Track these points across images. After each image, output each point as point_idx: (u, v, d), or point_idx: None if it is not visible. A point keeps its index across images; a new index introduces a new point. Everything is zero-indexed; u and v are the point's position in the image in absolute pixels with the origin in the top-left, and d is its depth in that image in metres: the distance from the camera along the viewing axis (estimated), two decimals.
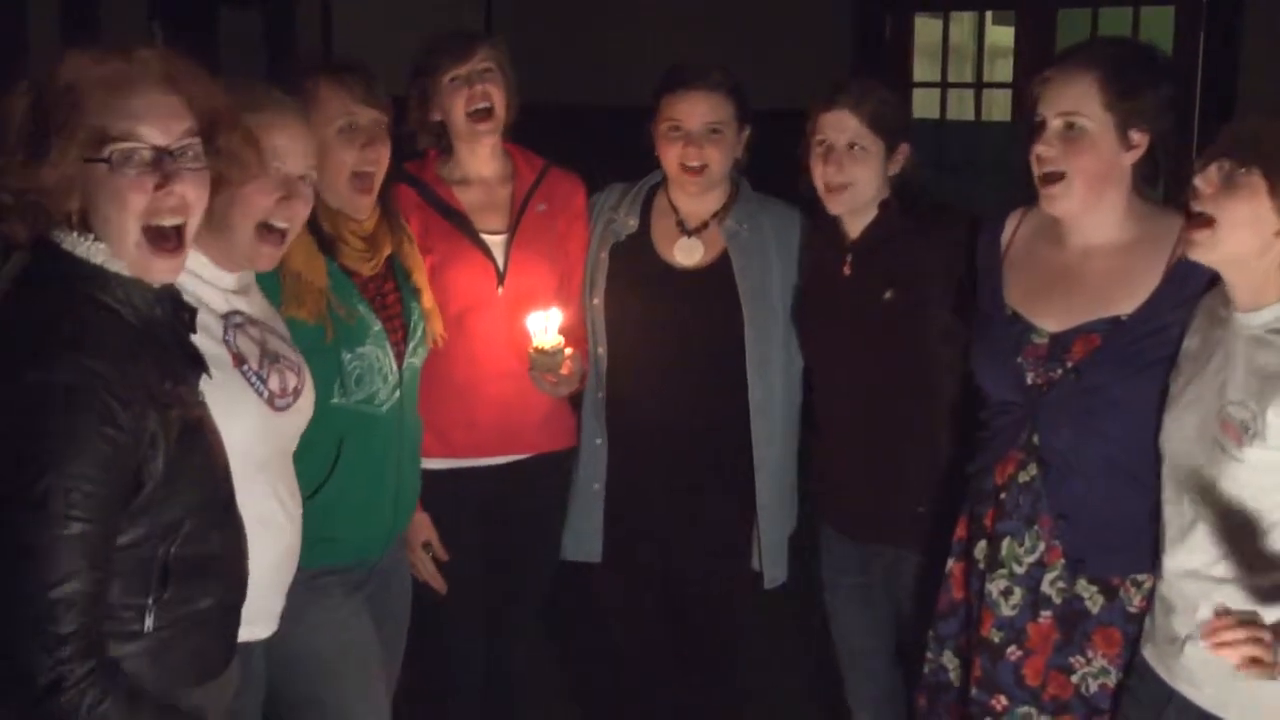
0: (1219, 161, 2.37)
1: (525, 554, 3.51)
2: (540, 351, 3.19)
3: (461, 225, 3.32)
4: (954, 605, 2.92)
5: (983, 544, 2.81)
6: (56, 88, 1.94)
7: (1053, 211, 2.74)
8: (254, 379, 2.46)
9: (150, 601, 1.98)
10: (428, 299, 3.09)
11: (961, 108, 7.10)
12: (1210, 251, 2.39)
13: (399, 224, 3.06)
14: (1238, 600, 2.40)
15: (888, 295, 3.11)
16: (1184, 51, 5.70)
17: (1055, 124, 2.68)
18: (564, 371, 3.23)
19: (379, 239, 2.96)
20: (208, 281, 2.49)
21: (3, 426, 1.84)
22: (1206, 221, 2.37)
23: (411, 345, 3.00)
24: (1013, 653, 2.75)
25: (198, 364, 2.14)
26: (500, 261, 3.33)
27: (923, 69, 7.03)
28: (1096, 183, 2.68)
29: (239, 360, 2.45)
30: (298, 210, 2.58)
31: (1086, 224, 2.75)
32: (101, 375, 1.87)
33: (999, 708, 2.77)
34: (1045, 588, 2.72)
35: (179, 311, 2.12)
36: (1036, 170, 2.71)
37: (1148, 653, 2.61)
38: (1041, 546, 2.72)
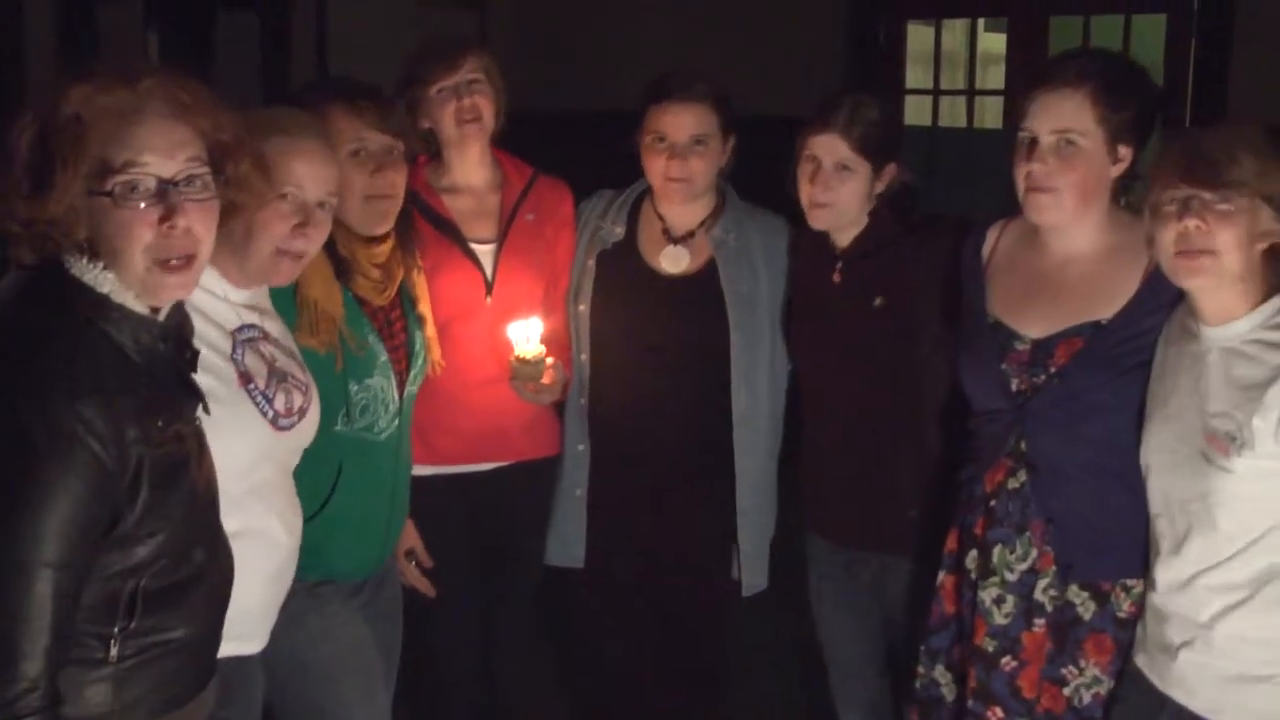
0: (1192, 195, 2.38)
1: (512, 559, 3.52)
2: (522, 361, 3.20)
3: (450, 234, 3.33)
4: (945, 619, 2.92)
5: (974, 553, 2.81)
6: (61, 119, 1.93)
7: (1040, 221, 2.75)
8: (259, 398, 2.47)
9: (116, 631, 1.97)
10: (430, 328, 3.11)
11: (954, 114, 7.12)
12: (1216, 278, 2.40)
13: (411, 252, 3.07)
14: (1233, 607, 2.43)
15: (877, 302, 3.12)
16: (1175, 59, 5.74)
17: (1049, 140, 2.69)
18: (545, 380, 3.24)
19: (393, 269, 2.98)
20: (219, 296, 2.50)
21: None
22: (1206, 252, 2.38)
23: (413, 374, 3.02)
24: (1007, 663, 2.75)
25: (196, 398, 2.12)
26: (489, 271, 3.34)
27: (915, 75, 7.05)
28: (1085, 196, 2.70)
29: (245, 379, 2.46)
30: (313, 237, 2.60)
31: (1069, 234, 2.77)
32: (87, 420, 1.85)
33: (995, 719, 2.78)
34: (1038, 595, 2.73)
35: (182, 349, 2.11)
36: (1024, 183, 2.72)
37: (1140, 661, 2.62)
38: (1033, 553, 2.73)
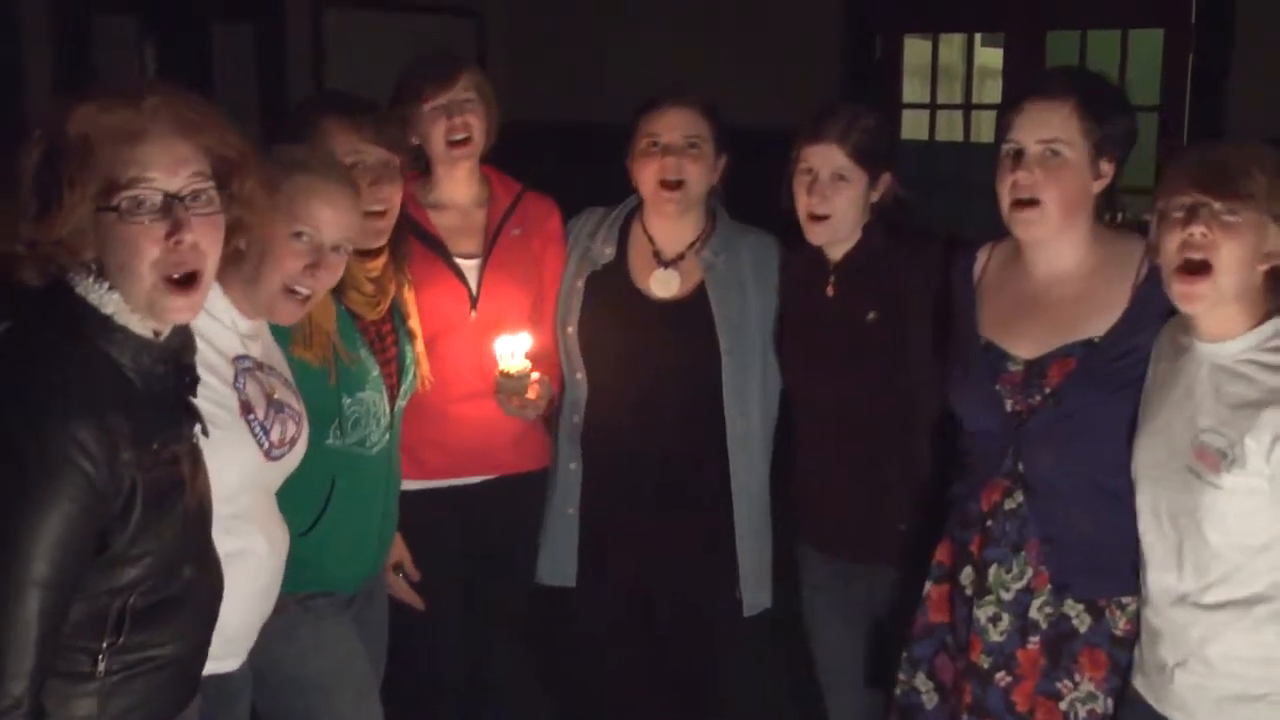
0: (1201, 203, 2.37)
1: (500, 574, 3.51)
2: (506, 375, 3.19)
3: (436, 249, 3.32)
4: (930, 628, 2.92)
5: (969, 570, 2.81)
6: (67, 139, 1.93)
7: (1025, 235, 2.75)
8: (258, 429, 2.48)
9: (104, 646, 1.97)
10: (420, 343, 3.12)
11: (950, 129, 7.13)
12: (1214, 296, 2.39)
13: (403, 268, 3.08)
14: (1226, 626, 2.42)
15: (871, 316, 3.12)
16: (1173, 73, 5.74)
17: (1035, 150, 2.69)
18: (530, 396, 3.23)
19: (386, 284, 2.98)
20: (226, 325, 2.51)
21: None
22: (1205, 269, 2.37)
23: (403, 388, 3.03)
24: (1002, 679, 2.75)
25: (193, 419, 2.12)
26: (473, 286, 3.34)
27: (912, 90, 7.06)
28: (1069, 209, 2.71)
29: (246, 409, 2.46)
30: (323, 279, 2.61)
31: (1053, 251, 2.77)
32: (81, 441, 1.86)
33: None
34: (1033, 613, 2.72)
35: (182, 374, 2.11)
36: (1009, 196, 2.72)
37: (1138, 683, 2.61)
38: (1029, 572, 2.72)
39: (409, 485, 3.19)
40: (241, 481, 2.43)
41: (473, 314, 3.32)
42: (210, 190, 2.01)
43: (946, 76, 7.18)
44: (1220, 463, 2.37)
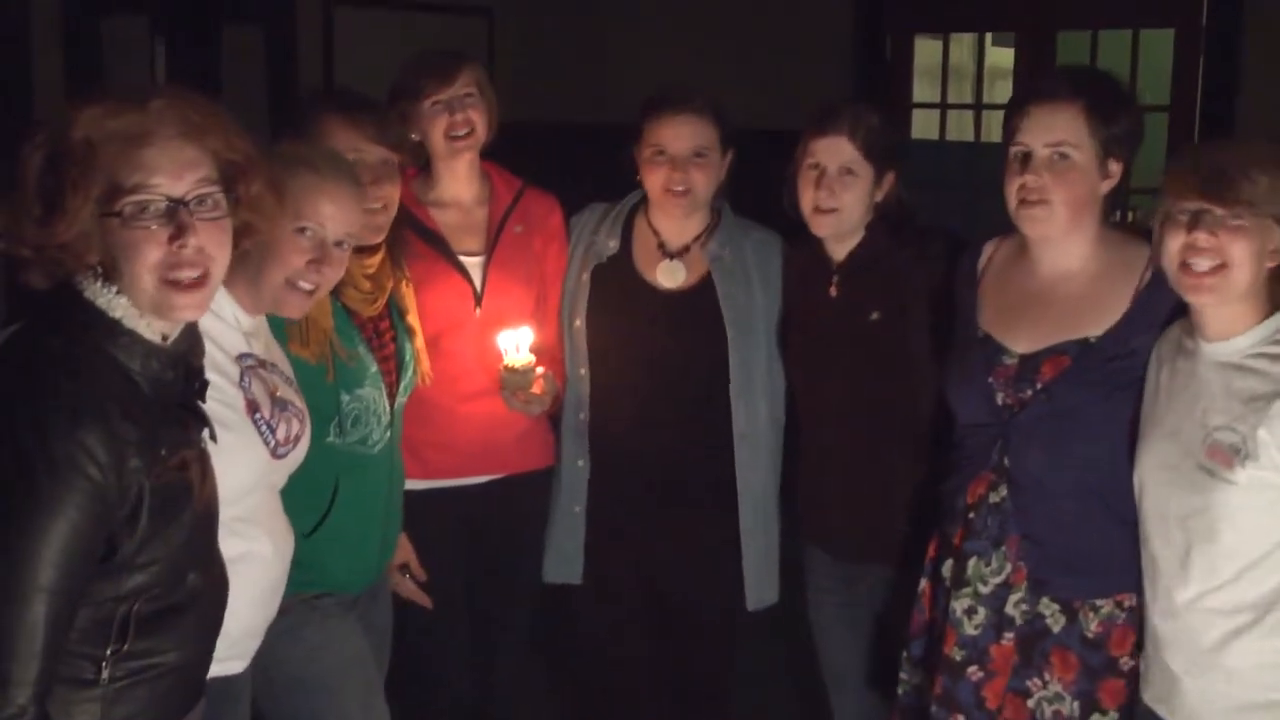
0: (1204, 209, 2.37)
1: (506, 573, 3.51)
2: (511, 370, 3.19)
3: (438, 246, 3.32)
4: (924, 626, 2.93)
5: (950, 562, 2.81)
6: (71, 143, 1.92)
7: (1032, 233, 2.76)
8: (264, 428, 2.48)
9: (108, 653, 1.96)
10: (419, 339, 3.11)
11: (961, 128, 7.11)
12: (1225, 293, 2.39)
13: (400, 264, 3.08)
14: (1239, 632, 2.41)
15: (874, 316, 3.12)
16: (1184, 73, 5.71)
17: (1044, 154, 2.70)
18: (535, 390, 3.24)
19: (383, 280, 2.98)
20: (230, 323, 2.51)
21: None
22: (1218, 268, 2.38)
23: (402, 385, 3.03)
24: (974, 673, 2.75)
25: (201, 423, 2.12)
26: (478, 283, 3.34)
27: (923, 90, 7.04)
28: (1077, 210, 2.71)
29: (253, 408, 2.46)
30: (326, 275, 2.62)
31: (1060, 250, 2.77)
32: (89, 447, 1.85)
33: None
34: (1009, 609, 2.72)
35: (190, 377, 2.10)
36: (1017, 198, 2.73)
37: (1148, 697, 2.60)
38: (1008, 568, 2.73)
39: (414, 485, 3.20)
40: (249, 482, 2.43)
41: (477, 311, 3.32)
42: (216, 194, 2.00)
43: (957, 76, 7.16)
44: (1234, 458, 2.37)
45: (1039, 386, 2.70)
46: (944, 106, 6.84)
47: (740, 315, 3.33)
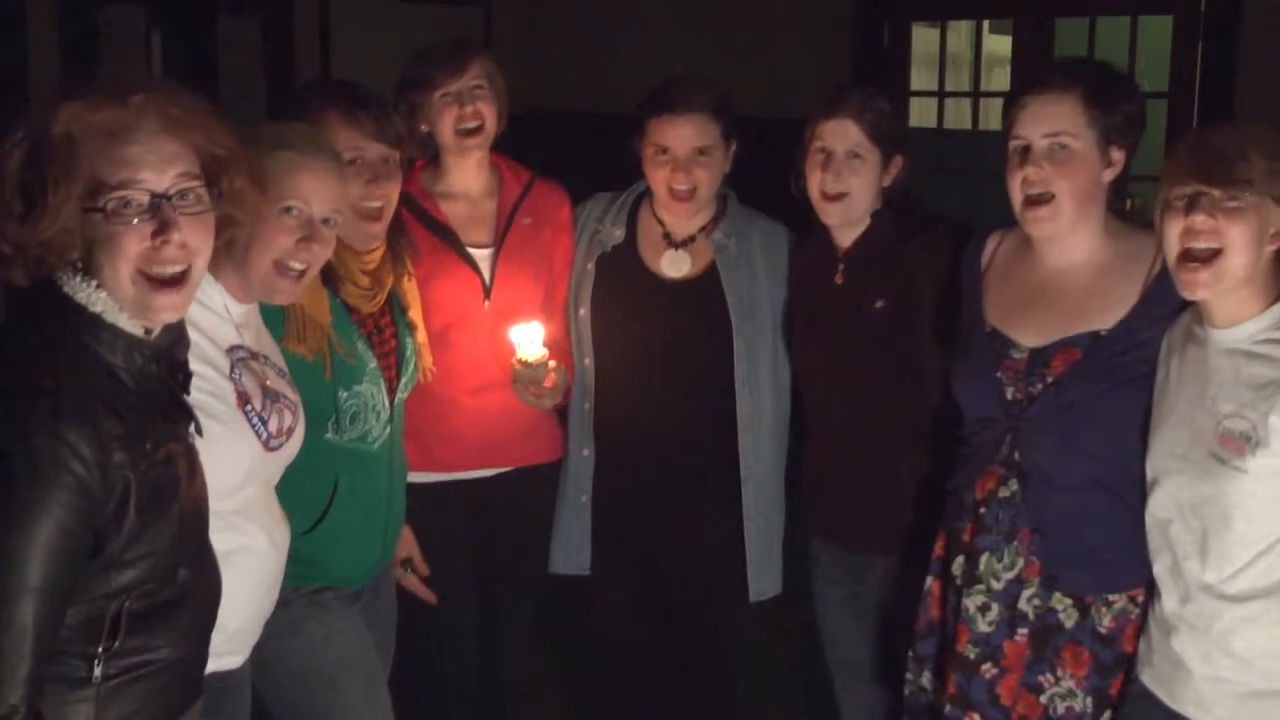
0: (1201, 192, 2.37)
1: (513, 566, 3.50)
2: (524, 364, 3.18)
3: (447, 239, 3.31)
4: (932, 625, 2.91)
5: (960, 559, 2.80)
6: (52, 138, 1.90)
7: (1039, 234, 2.75)
8: (255, 420, 2.46)
9: (100, 651, 1.95)
10: (421, 334, 3.10)
11: (959, 116, 7.10)
12: (1221, 280, 2.38)
13: (401, 259, 3.06)
14: (1251, 620, 2.40)
15: (879, 304, 3.11)
16: (1182, 60, 5.70)
17: (1042, 145, 2.68)
18: (547, 384, 3.22)
19: (382, 276, 2.96)
20: (219, 313, 2.49)
21: None
22: (1212, 257, 2.37)
23: (403, 381, 3.01)
24: (987, 670, 2.74)
25: (187, 417, 2.10)
26: (487, 275, 3.32)
27: (920, 78, 7.03)
28: (1082, 202, 2.69)
29: (243, 400, 2.44)
30: (316, 253, 2.59)
31: (1067, 243, 2.76)
32: (72, 443, 1.83)
33: None
34: (1022, 604, 2.71)
35: (175, 371, 2.08)
36: (1021, 192, 2.71)
37: (1146, 677, 2.59)
38: (1020, 562, 2.71)
39: (421, 478, 3.19)
40: (242, 475, 2.42)
41: (486, 304, 3.31)
42: (199, 189, 1.99)
43: (954, 64, 7.15)
44: (1245, 446, 2.36)
45: (1049, 380, 2.68)
46: (941, 94, 6.82)
47: (745, 304, 3.33)
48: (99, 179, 1.91)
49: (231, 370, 2.45)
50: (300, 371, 2.70)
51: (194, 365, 2.22)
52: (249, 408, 2.45)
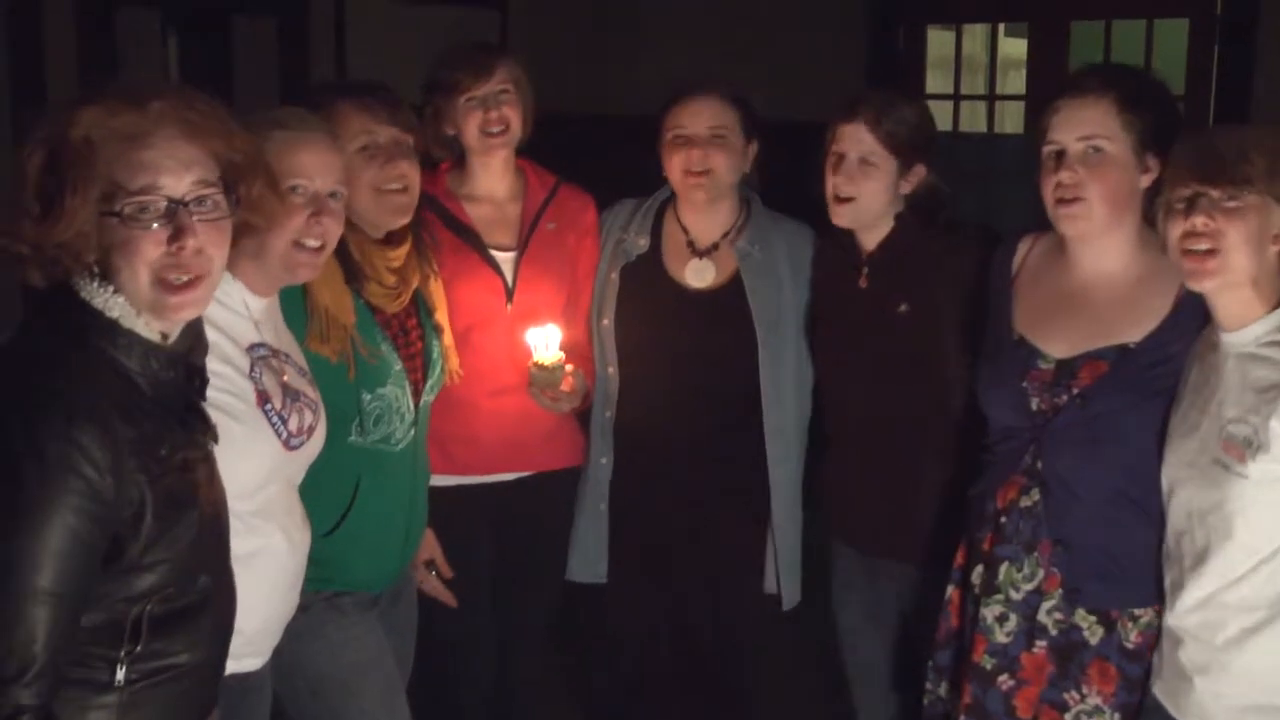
0: (1200, 193, 2.36)
1: (531, 571, 3.49)
2: (540, 367, 3.17)
3: (471, 241, 3.30)
4: (951, 634, 2.89)
5: (979, 568, 2.78)
6: (71, 143, 1.90)
7: (1070, 232, 2.71)
8: (275, 419, 2.46)
9: (122, 654, 1.94)
10: (448, 336, 3.09)
11: (974, 119, 7.11)
12: (1225, 277, 2.37)
13: (428, 259, 3.05)
14: (1252, 631, 2.39)
15: (903, 308, 3.10)
16: (1198, 64, 5.70)
17: (1077, 148, 2.66)
18: (564, 388, 3.21)
19: (408, 275, 2.95)
20: (238, 311, 2.49)
21: None
22: (1211, 253, 2.36)
23: (429, 383, 3.00)
24: (1004, 681, 2.72)
25: (206, 425, 2.10)
26: (509, 278, 3.32)
27: (936, 81, 7.04)
28: (1116, 206, 2.67)
29: (263, 399, 2.44)
30: (329, 227, 2.59)
31: (1099, 249, 2.73)
32: (84, 446, 1.82)
33: None
34: (1042, 616, 2.69)
35: (191, 376, 2.08)
36: (1053, 195, 2.68)
37: (1158, 689, 2.58)
38: (1040, 573, 2.69)
39: (440, 481, 3.18)
40: (263, 475, 2.42)
41: (508, 307, 3.30)
42: (216, 195, 1.99)
43: (970, 67, 7.16)
44: (1245, 452, 2.34)
45: (1075, 392, 2.66)
46: (957, 97, 6.83)
47: (769, 313, 3.32)
48: (117, 183, 1.91)
49: (251, 369, 2.45)
50: (324, 373, 2.69)
51: (213, 365, 2.22)
52: (269, 406, 2.45)
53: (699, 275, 3.36)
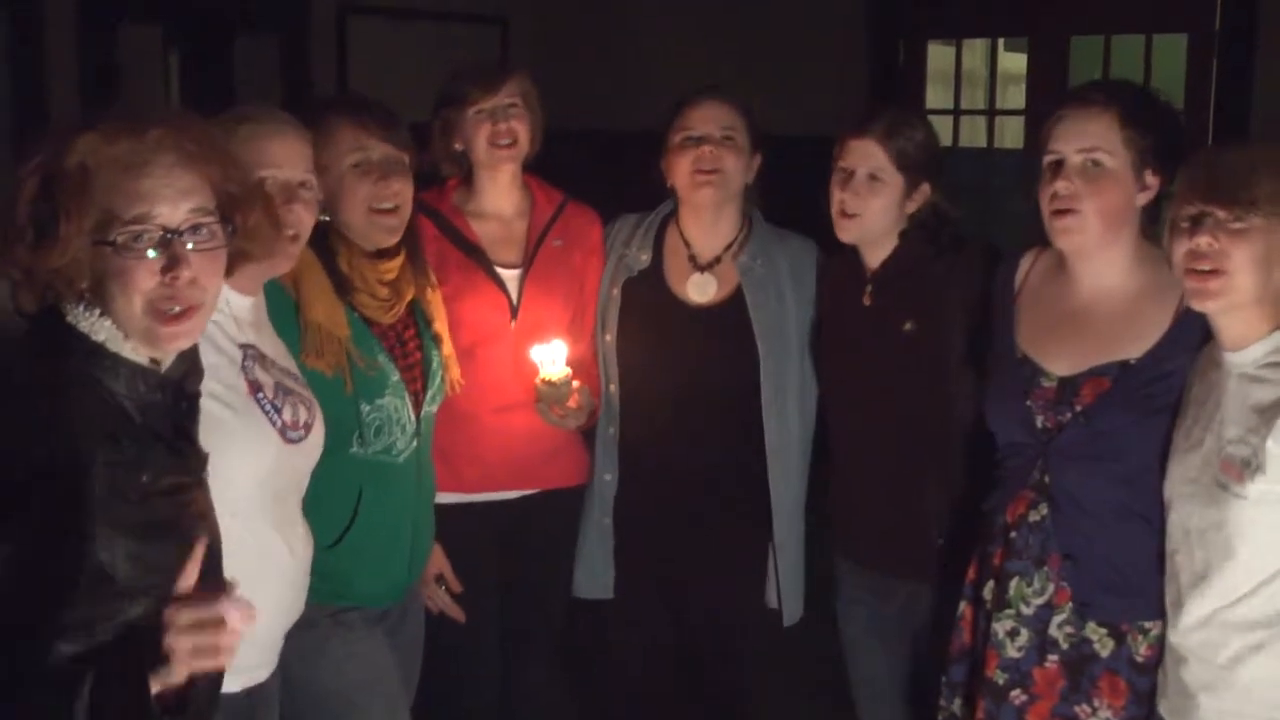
0: (1205, 212, 2.35)
1: (538, 589, 3.49)
2: (547, 383, 3.16)
3: (476, 257, 3.30)
4: (964, 650, 2.88)
5: (991, 584, 2.78)
6: (66, 169, 1.89)
7: (1064, 245, 2.72)
8: (268, 407, 2.44)
9: None
10: (448, 346, 3.08)
11: (974, 134, 7.12)
12: (1229, 298, 2.36)
13: (424, 270, 3.04)
14: (1255, 649, 2.39)
15: (908, 326, 3.09)
16: (1197, 79, 5.72)
17: (1076, 160, 2.65)
18: (571, 404, 3.21)
19: (402, 287, 2.95)
20: (224, 314, 2.47)
21: None
22: (1216, 273, 2.35)
23: (430, 394, 2.99)
24: (1016, 696, 2.71)
25: (195, 451, 2.07)
26: (514, 295, 3.31)
27: (936, 95, 7.06)
28: (1112, 221, 2.66)
29: (254, 388, 2.43)
30: (301, 216, 2.58)
31: (1097, 265, 2.73)
32: (64, 469, 1.80)
33: None
34: (1053, 630, 2.69)
35: (179, 399, 2.05)
36: (1050, 207, 2.69)
37: (1163, 708, 2.57)
38: (1050, 588, 2.69)
39: (447, 498, 3.18)
40: (262, 469, 2.40)
41: (513, 324, 3.30)
42: (213, 224, 1.97)
43: (970, 82, 7.18)
44: (1244, 472, 2.34)
45: (1077, 409, 2.66)
46: (957, 112, 6.85)
47: (772, 328, 3.31)
48: (112, 212, 1.89)
49: (244, 360, 2.45)
50: (321, 387, 2.68)
51: (206, 357, 2.19)
52: (260, 395, 2.44)
53: (701, 290, 3.36)
